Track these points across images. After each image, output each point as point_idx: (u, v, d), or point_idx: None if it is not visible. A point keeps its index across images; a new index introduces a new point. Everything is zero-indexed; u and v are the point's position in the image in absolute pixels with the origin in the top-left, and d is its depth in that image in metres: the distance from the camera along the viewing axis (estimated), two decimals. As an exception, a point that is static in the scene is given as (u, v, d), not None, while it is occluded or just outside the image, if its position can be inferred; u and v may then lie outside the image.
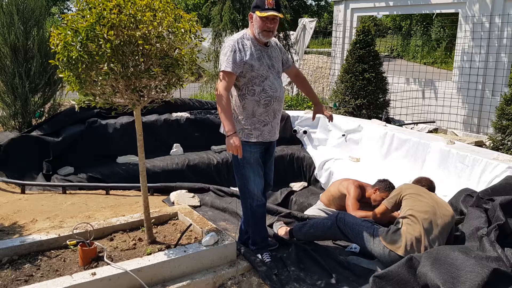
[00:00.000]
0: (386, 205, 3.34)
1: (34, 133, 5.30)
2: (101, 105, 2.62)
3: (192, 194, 4.40)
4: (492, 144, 6.10)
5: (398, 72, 9.60)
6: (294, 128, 6.51)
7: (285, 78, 10.03)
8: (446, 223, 3.04)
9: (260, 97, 2.84)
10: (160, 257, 2.66)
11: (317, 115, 3.38)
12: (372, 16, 17.29)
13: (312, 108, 3.43)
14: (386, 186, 3.89)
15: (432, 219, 3.02)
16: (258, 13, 2.75)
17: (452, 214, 3.12)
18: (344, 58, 8.95)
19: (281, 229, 3.53)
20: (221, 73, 2.78)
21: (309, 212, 4.34)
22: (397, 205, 3.29)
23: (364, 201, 3.99)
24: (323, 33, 16.66)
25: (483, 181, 4.26)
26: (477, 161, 4.42)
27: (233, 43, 2.80)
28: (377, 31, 17.23)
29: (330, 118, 3.30)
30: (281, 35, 9.20)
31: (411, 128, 7.31)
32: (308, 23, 11.43)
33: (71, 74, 2.45)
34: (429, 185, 3.61)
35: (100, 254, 2.72)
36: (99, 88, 2.54)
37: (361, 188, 4.03)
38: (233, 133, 2.71)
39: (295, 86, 11.10)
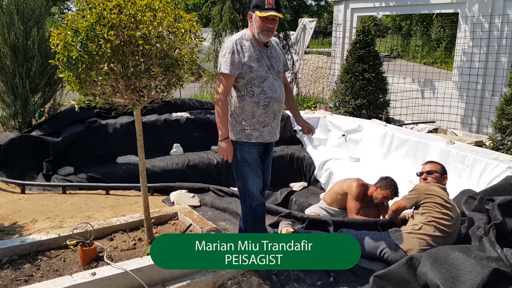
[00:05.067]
0: (405, 203, 3.25)
1: (34, 133, 5.30)
2: (101, 105, 2.63)
3: (192, 194, 4.39)
4: (492, 144, 6.11)
5: (398, 72, 9.59)
6: (294, 128, 6.51)
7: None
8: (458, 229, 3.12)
9: (260, 98, 2.84)
10: (160, 257, 2.66)
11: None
12: (372, 16, 17.28)
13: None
14: (387, 183, 3.89)
15: (454, 234, 3.07)
16: (258, 13, 2.73)
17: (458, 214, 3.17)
18: (344, 58, 8.95)
19: (284, 229, 3.52)
20: (219, 75, 2.80)
21: (310, 210, 4.33)
22: (415, 206, 3.24)
23: (367, 200, 4.00)
24: (323, 33, 16.66)
25: (483, 181, 4.26)
26: (477, 161, 4.42)
27: (232, 44, 2.79)
28: (377, 31, 17.21)
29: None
30: (281, 35, 9.20)
31: (411, 128, 7.30)
32: (308, 23, 11.43)
33: (71, 74, 2.46)
34: (442, 169, 3.46)
35: (100, 254, 2.72)
36: (99, 88, 2.54)
37: (364, 186, 4.04)
38: (225, 138, 2.85)
39: (295, 85, 11.10)
